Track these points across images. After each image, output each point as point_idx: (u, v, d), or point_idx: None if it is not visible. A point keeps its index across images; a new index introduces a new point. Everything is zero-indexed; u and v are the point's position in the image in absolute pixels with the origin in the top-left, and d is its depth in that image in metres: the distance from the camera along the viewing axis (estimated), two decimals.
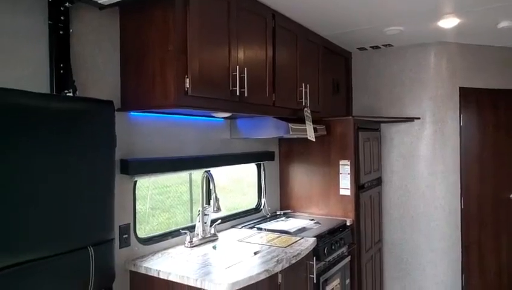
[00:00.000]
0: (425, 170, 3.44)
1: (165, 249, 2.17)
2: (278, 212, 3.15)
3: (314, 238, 2.38)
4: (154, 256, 2.05)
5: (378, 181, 3.51)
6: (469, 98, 3.52)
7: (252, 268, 1.83)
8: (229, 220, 2.77)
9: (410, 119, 3.46)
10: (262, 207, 3.11)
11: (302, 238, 2.38)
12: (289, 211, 3.20)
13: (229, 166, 2.77)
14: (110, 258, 1.59)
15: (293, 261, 2.03)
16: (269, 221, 2.89)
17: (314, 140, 2.73)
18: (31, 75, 1.59)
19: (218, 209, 2.21)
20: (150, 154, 2.12)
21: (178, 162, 2.25)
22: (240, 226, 2.73)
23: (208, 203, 2.45)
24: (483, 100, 3.57)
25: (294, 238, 2.37)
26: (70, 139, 1.44)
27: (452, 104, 3.46)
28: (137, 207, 2.09)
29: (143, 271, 1.89)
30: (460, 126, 3.48)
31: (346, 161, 2.98)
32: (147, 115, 2.13)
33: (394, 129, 3.56)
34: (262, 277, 1.80)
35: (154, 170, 2.10)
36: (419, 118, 3.45)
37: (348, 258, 2.85)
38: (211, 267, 1.87)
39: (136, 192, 2.09)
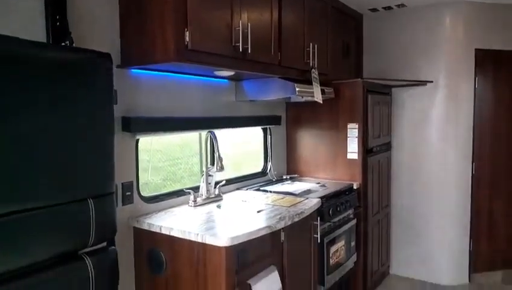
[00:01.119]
0: (437, 135, 3.36)
1: (169, 207, 2.19)
2: (284, 177, 3.14)
3: (319, 199, 2.36)
4: (157, 214, 2.06)
5: (388, 146, 3.44)
6: (485, 60, 3.37)
7: (254, 224, 1.83)
8: (234, 183, 2.77)
9: (423, 83, 3.35)
10: (268, 171, 3.09)
11: (307, 199, 2.37)
12: (296, 175, 3.18)
13: (234, 128, 2.74)
14: (110, 211, 1.60)
15: (296, 219, 2.02)
16: (275, 184, 2.88)
17: (321, 102, 2.66)
18: (26, 27, 1.56)
19: (222, 168, 2.20)
20: (153, 113, 2.10)
21: (181, 122, 2.23)
22: (245, 188, 2.73)
23: (212, 163, 2.44)
24: (500, 62, 3.43)
25: (298, 199, 2.36)
26: (67, 90, 1.41)
27: (467, 66, 3.33)
28: (149, 177, 2.10)
29: (146, 227, 1.90)
30: (474, 90, 3.36)
31: (354, 124, 2.92)
32: (149, 73, 2.10)
33: (406, 93, 3.46)
34: (263, 232, 1.79)
35: (157, 129, 2.09)
36: (431, 82, 3.33)
37: (354, 221, 2.84)
38: (213, 223, 1.87)
39: (139, 153, 2.09)
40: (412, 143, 3.45)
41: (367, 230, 3.00)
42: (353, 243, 2.82)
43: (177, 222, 1.89)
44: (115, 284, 1.64)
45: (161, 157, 2.64)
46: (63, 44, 1.58)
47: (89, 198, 1.51)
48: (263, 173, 3.09)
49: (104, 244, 1.67)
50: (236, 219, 1.94)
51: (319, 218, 2.29)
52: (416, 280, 3.43)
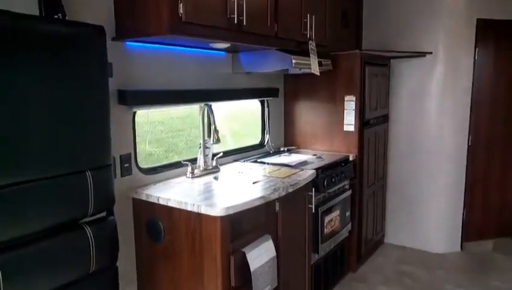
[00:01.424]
0: (434, 108, 3.37)
1: (167, 179, 2.24)
2: (282, 149, 3.17)
3: (314, 170, 2.41)
4: (155, 185, 2.12)
5: (385, 118, 3.46)
6: (487, 31, 3.32)
7: (249, 195, 1.89)
8: (232, 155, 2.82)
9: (422, 54, 3.32)
10: (266, 143, 3.13)
11: (302, 170, 2.42)
12: (293, 147, 3.22)
13: (232, 101, 2.76)
14: (108, 182, 1.65)
15: (290, 190, 2.07)
16: (272, 156, 2.92)
17: (318, 74, 2.66)
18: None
19: (218, 140, 2.23)
20: (149, 86, 2.12)
21: (177, 94, 2.25)
22: (242, 160, 2.77)
23: (209, 136, 2.46)
24: (502, 33, 3.38)
25: (294, 171, 2.41)
26: (60, 64, 1.43)
27: (467, 37, 3.29)
28: (146, 148, 2.13)
29: (144, 198, 1.96)
30: (474, 61, 3.33)
31: (351, 96, 2.92)
32: (145, 46, 2.09)
33: (404, 65, 3.43)
34: (258, 202, 1.85)
35: (153, 102, 2.10)
36: (431, 53, 3.30)
37: (349, 192, 2.90)
38: (209, 194, 1.93)
39: (137, 126, 2.12)
40: (409, 115, 3.46)
41: (362, 200, 3.06)
42: (348, 213, 2.90)
43: (174, 193, 1.94)
44: (114, 252, 1.71)
45: (163, 129, 2.67)
46: (55, 17, 1.58)
47: (87, 170, 1.56)
48: (261, 145, 3.13)
49: (104, 214, 1.74)
50: (232, 190, 1.99)
51: (313, 189, 2.34)
52: (410, 248, 3.53)
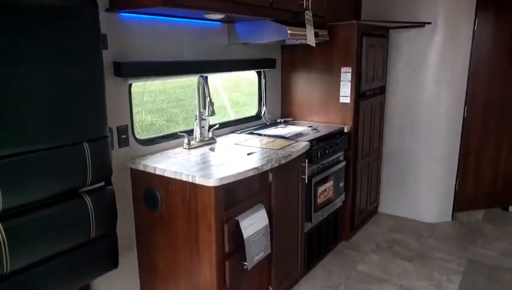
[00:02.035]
0: (432, 79, 3.36)
1: (164, 150, 2.29)
2: (279, 120, 3.21)
3: (308, 142, 2.45)
4: (153, 156, 2.17)
5: (382, 90, 3.46)
6: (487, 0, 3.27)
7: (242, 166, 1.94)
8: (229, 126, 2.86)
9: (421, 25, 3.28)
10: (262, 115, 3.16)
11: (296, 142, 2.46)
12: (290, 119, 3.25)
13: (228, 72, 2.76)
14: (105, 153, 1.70)
15: (283, 162, 2.13)
16: (268, 128, 2.96)
17: (314, 45, 2.65)
18: None
19: (213, 112, 2.26)
20: (144, 57, 2.12)
21: (173, 66, 2.26)
22: (239, 132, 2.81)
23: (205, 108, 2.49)
24: (502, 3, 3.33)
25: (288, 142, 2.45)
26: (52, 36, 1.44)
27: (468, 7, 3.24)
28: (142, 117, 2.16)
29: (141, 168, 2.02)
30: (473, 32, 3.30)
31: (348, 68, 2.92)
32: (139, 17, 2.09)
33: (403, 36, 3.40)
34: (251, 173, 1.90)
35: (148, 73, 2.12)
36: (430, 23, 3.26)
37: (344, 163, 2.96)
38: (204, 165, 1.98)
39: (133, 97, 2.14)
40: (406, 87, 3.46)
41: (356, 172, 3.13)
42: (342, 184, 2.97)
43: (170, 164, 2.00)
44: (113, 220, 1.79)
45: (164, 99, 2.69)
46: None
47: (84, 141, 1.61)
48: (257, 116, 3.16)
49: (102, 184, 1.81)
50: (226, 161, 2.04)
51: (307, 160, 2.39)
52: (402, 217, 3.63)
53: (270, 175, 2.13)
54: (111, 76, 1.97)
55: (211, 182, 1.76)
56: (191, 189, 1.86)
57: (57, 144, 1.50)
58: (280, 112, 3.34)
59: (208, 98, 2.25)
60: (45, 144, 1.46)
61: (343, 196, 3.02)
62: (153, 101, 2.86)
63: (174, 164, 2.01)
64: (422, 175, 3.52)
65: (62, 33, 1.48)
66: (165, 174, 1.92)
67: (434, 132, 3.42)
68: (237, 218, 1.91)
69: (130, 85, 2.11)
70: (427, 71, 3.37)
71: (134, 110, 2.17)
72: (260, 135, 2.71)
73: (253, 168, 1.92)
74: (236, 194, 1.93)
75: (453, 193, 3.57)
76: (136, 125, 2.18)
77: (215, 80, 3.05)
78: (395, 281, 2.64)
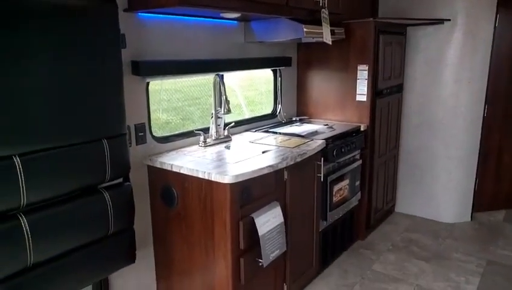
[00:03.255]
0: (451, 77, 3.30)
1: (180, 147, 2.32)
2: (294, 118, 3.21)
3: (323, 140, 2.44)
4: (169, 153, 2.20)
5: (399, 88, 3.42)
6: None
7: (258, 163, 1.95)
8: (244, 124, 2.87)
9: (440, 22, 3.22)
10: (278, 113, 3.16)
11: (312, 140, 2.46)
12: (305, 117, 3.24)
13: (244, 70, 2.78)
14: (123, 150, 1.74)
15: (298, 160, 2.13)
16: (284, 126, 2.96)
17: (330, 43, 2.64)
18: None
19: (229, 110, 2.28)
20: (161, 56, 2.16)
21: (189, 65, 2.28)
22: (254, 130, 2.83)
23: (221, 106, 2.51)
24: None
25: (303, 140, 2.45)
26: (73, 35, 1.48)
27: (488, 2, 3.17)
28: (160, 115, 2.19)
29: (158, 165, 2.05)
30: (494, 29, 3.22)
31: (364, 66, 2.90)
32: (157, 16, 2.12)
33: (421, 33, 3.35)
34: (266, 171, 1.91)
35: (165, 72, 2.15)
36: (449, 20, 3.20)
37: (359, 162, 2.94)
38: (220, 162, 2.00)
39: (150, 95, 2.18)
40: (424, 85, 3.41)
41: (372, 170, 3.10)
42: (358, 183, 2.95)
43: (187, 161, 2.03)
44: (131, 215, 1.83)
45: (180, 97, 2.72)
46: None
47: (103, 139, 1.65)
48: (273, 115, 3.16)
49: (121, 180, 1.85)
50: (241, 159, 2.06)
51: (322, 158, 2.39)
52: (420, 217, 3.58)
53: (286, 173, 2.14)
54: (129, 75, 2.01)
55: (227, 179, 1.78)
56: (206, 186, 1.88)
57: (77, 141, 1.55)
58: (296, 110, 3.34)
59: (224, 96, 2.27)
60: (66, 141, 1.51)
61: (359, 195, 3.00)
62: (169, 99, 2.89)
63: (190, 161, 2.03)
64: (440, 174, 3.47)
65: (81, 32, 1.52)
66: (182, 171, 1.95)
67: (453, 130, 3.36)
68: (252, 215, 1.92)
69: (148, 83, 2.14)
70: (445, 69, 3.31)
71: (151, 108, 2.21)
72: (275, 133, 2.72)
73: (268, 166, 1.93)
74: (252, 192, 1.94)
75: (473, 192, 3.51)
76: (152, 123, 2.21)
77: (231, 78, 3.07)
78: (411, 281, 2.61)
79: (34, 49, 1.38)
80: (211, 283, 1.99)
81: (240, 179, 1.80)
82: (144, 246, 2.20)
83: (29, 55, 1.37)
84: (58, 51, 1.45)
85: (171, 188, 2.04)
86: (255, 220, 1.91)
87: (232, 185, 1.80)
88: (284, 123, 3.08)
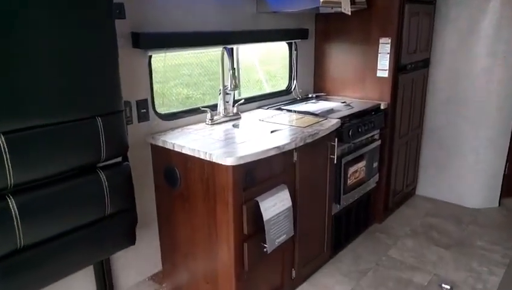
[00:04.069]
0: (484, 50, 3.01)
1: (185, 125, 2.21)
2: (310, 95, 3.03)
3: (338, 119, 2.28)
4: (173, 131, 2.10)
5: (425, 62, 3.16)
6: None
7: (264, 144, 1.82)
8: (256, 101, 2.73)
9: None
10: (292, 89, 2.99)
11: (326, 119, 2.30)
12: (322, 94, 3.06)
13: (256, 44, 2.61)
14: (119, 128, 1.64)
15: (308, 141, 1.98)
16: (298, 103, 2.80)
17: (349, 13, 2.42)
18: None
19: (235, 87, 2.14)
20: (165, 28, 2.02)
21: (195, 36, 2.14)
22: (266, 107, 2.68)
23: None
24: None
25: (316, 119, 2.29)
26: (60, 6, 1.37)
27: None
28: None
29: (160, 144, 1.96)
30: None
31: (387, 38, 2.67)
32: None
33: (452, 1, 3.05)
34: (272, 152, 1.78)
35: (168, 45, 2.02)
36: None
37: (378, 142, 2.76)
38: (224, 142, 1.88)
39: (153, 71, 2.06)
40: (454, 59, 3.13)
41: (392, 151, 2.91)
42: (376, 164, 2.78)
43: (190, 140, 1.92)
44: (129, 196, 1.75)
45: (201, 72, 2.61)
46: None
47: (97, 116, 1.55)
48: (287, 91, 3.00)
49: (119, 159, 1.77)
50: (248, 138, 1.93)
51: (336, 139, 2.23)
52: (442, 201, 3.39)
53: (295, 154, 2.00)
54: (129, 48, 1.89)
55: (229, 161, 1.66)
56: (208, 167, 1.78)
57: (67, 119, 1.46)
58: (312, 86, 3.16)
59: (231, 70, 2.12)
60: (54, 118, 1.42)
61: (376, 177, 2.84)
62: (190, 74, 2.77)
63: (194, 140, 1.93)
64: (467, 156, 3.23)
65: (70, 3, 1.40)
66: (183, 151, 1.84)
67: (483, 109, 3.10)
68: (257, 199, 1.81)
69: (150, 57, 2.02)
70: (478, 41, 3.02)
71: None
72: (288, 111, 2.56)
73: (274, 147, 1.80)
74: (257, 174, 1.82)
75: (502, 176, 3.26)
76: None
77: (250, 52, 2.91)
78: (429, 269, 2.46)
79: (19, 22, 1.27)
80: (214, 267, 1.92)
81: (243, 161, 1.68)
82: (149, 226, 2.15)
83: (14, 28, 1.26)
84: (44, 23, 1.34)
85: (173, 168, 1.95)
86: (260, 204, 1.80)
87: (234, 168, 1.68)
88: (299, 100, 2.91)
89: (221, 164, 1.70)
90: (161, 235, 2.20)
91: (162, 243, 2.22)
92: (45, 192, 1.45)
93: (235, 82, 2.13)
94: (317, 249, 2.38)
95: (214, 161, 1.71)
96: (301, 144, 1.94)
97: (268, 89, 3.02)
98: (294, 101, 2.86)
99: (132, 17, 1.87)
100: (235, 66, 2.23)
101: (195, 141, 1.91)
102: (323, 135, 2.10)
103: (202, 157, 1.76)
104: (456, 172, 3.31)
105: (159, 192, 2.12)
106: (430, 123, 3.35)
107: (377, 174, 2.84)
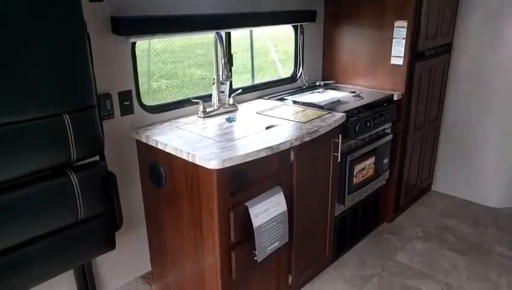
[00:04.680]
0: None
1: (176, 118, 2.04)
2: (318, 83, 2.80)
3: (343, 113, 2.06)
4: (161, 125, 1.93)
5: (447, 48, 2.86)
6: None
7: (255, 144, 1.63)
8: (258, 89, 2.53)
9: None
10: (298, 77, 2.77)
11: (330, 113, 2.08)
12: (331, 82, 2.82)
13: (256, 27, 2.39)
14: (92, 125, 1.48)
15: (306, 139, 1.78)
16: (304, 92, 2.58)
17: None
18: None
19: (228, 77, 1.94)
20: (150, 11, 1.82)
21: (184, 20, 1.93)
22: (266, 97, 2.47)
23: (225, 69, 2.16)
24: None
25: (320, 113, 2.08)
26: None
27: None
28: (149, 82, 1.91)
29: (144, 140, 1.79)
30: None
31: (403, 21, 2.40)
32: None
33: None
34: (263, 154, 1.59)
35: (153, 30, 1.83)
36: None
37: (390, 137, 2.52)
38: (211, 140, 1.70)
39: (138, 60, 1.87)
40: (479, 44, 2.82)
41: (406, 146, 2.67)
42: (386, 160, 2.55)
43: (176, 136, 1.75)
44: (106, 199, 1.60)
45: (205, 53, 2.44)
46: None
47: (64, 113, 1.39)
48: (293, 78, 2.77)
49: (97, 158, 1.61)
50: (240, 136, 1.75)
51: (340, 135, 2.01)
52: (460, 199, 3.14)
53: (292, 153, 1.80)
54: (109, 34, 1.71)
55: (212, 164, 1.48)
56: (192, 169, 1.60)
57: (27, 118, 1.30)
58: (321, 73, 2.92)
59: (223, 59, 1.92)
60: (11, 117, 1.26)
61: (387, 174, 2.61)
62: (204, 54, 2.62)
63: (180, 137, 1.75)
64: (489, 151, 2.96)
65: None
66: (166, 149, 1.67)
67: (510, 102, 2.80)
68: (247, 204, 1.63)
69: (134, 44, 1.83)
70: (509, 25, 2.70)
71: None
72: (290, 101, 2.35)
73: (266, 148, 1.60)
74: (247, 176, 1.64)
75: None
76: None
77: (264, 32, 2.70)
78: (440, 278, 2.26)
79: None
80: (201, 276, 1.77)
81: (228, 165, 1.49)
82: (137, 227, 2.02)
83: None
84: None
85: (158, 166, 1.78)
86: (250, 210, 1.63)
87: (219, 171, 1.50)
88: (305, 89, 2.69)
89: (205, 167, 1.52)
90: (149, 237, 2.06)
91: (150, 245, 2.08)
92: (7, 197, 1.31)
93: (227, 72, 1.93)
94: (318, 253, 2.21)
95: (197, 162, 1.53)
96: (297, 143, 1.74)
97: (282, 73, 2.79)
98: (299, 90, 2.64)
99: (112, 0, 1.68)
100: (214, 53, 2.02)
101: (181, 137, 1.74)
102: (324, 131, 1.89)
103: (185, 157, 1.59)
104: (476, 168, 3.04)
105: (145, 191, 1.97)
106: (450, 116, 3.07)
107: (388, 171, 2.61)
